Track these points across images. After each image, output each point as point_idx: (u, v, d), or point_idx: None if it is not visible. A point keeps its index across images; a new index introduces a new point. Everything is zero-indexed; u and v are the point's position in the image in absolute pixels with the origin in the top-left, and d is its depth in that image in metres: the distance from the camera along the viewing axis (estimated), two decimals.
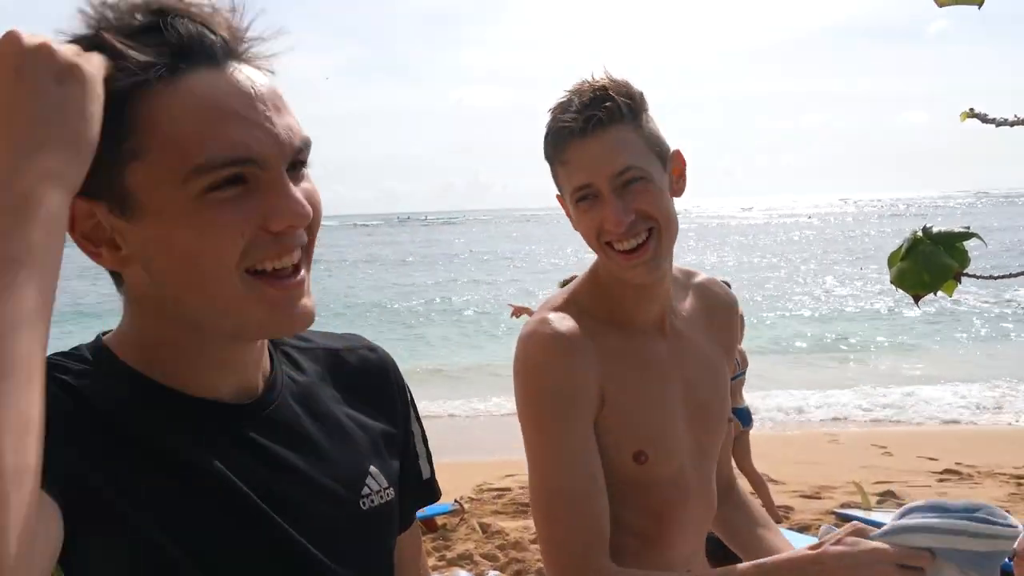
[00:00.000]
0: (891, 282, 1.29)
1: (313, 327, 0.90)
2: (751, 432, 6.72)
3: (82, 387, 0.82)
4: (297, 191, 0.80)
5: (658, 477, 1.50)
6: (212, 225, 0.78)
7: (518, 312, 6.46)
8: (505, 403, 11.58)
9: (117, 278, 0.88)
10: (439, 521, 6.39)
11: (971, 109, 1.22)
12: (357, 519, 0.96)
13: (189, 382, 0.88)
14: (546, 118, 1.47)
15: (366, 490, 0.98)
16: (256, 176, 0.79)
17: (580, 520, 1.39)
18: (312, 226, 0.84)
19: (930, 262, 1.27)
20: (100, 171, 0.76)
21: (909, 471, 7.92)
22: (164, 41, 0.77)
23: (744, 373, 6.85)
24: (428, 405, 10.61)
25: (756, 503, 1.81)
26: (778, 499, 7.05)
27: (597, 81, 1.43)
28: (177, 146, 0.76)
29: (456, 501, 6.60)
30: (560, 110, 1.44)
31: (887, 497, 7.00)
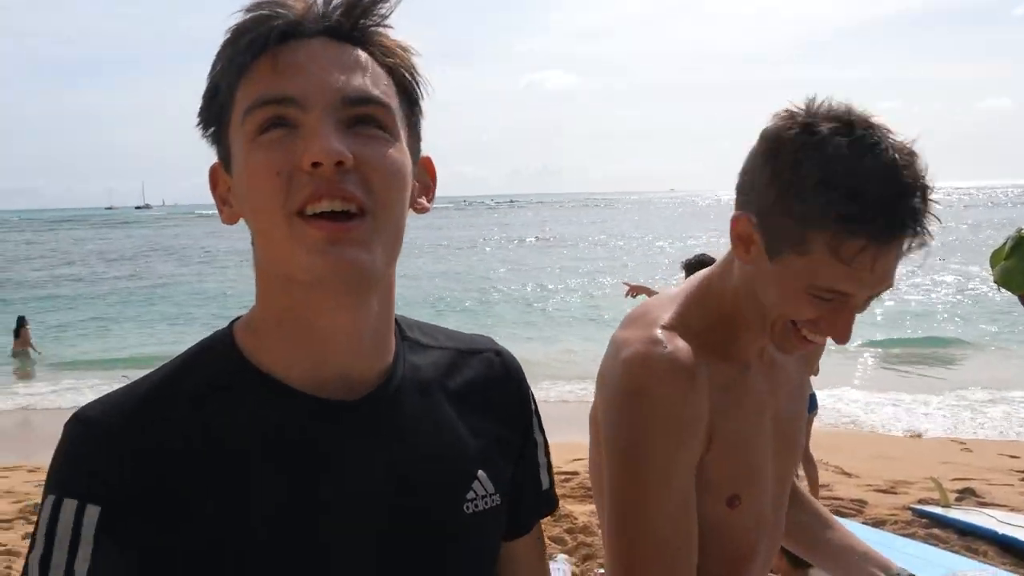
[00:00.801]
0: (994, 281, 1.24)
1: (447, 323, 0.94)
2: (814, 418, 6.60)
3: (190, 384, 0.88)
4: (337, 136, 0.81)
5: (744, 521, 1.38)
6: (256, 165, 0.82)
7: (635, 291, 5.98)
8: (577, 390, 11.59)
9: None
10: None
11: None
12: (460, 523, 0.96)
13: (293, 367, 0.89)
14: (818, 155, 1.15)
15: (471, 495, 0.98)
16: (297, 118, 0.82)
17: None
18: (370, 181, 0.83)
19: None
20: (220, 131, 0.87)
21: (989, 469, 7.68)
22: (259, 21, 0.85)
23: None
24: None
25: (815, 501, 1.71)
26: (852, 492, 6.92)
27: (919, 171, 1.15)
28: (244, 98, 0.84)
29: None
30: (876, 193, 1.12)
31: (966, 495, 6.80)
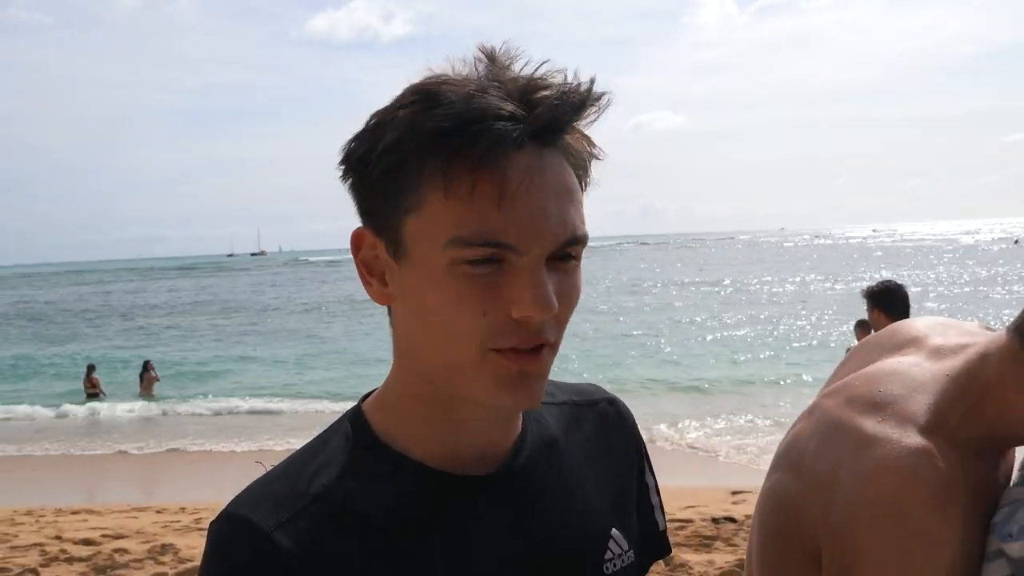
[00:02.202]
0: None
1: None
2: None
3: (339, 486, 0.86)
4: (549, 283, 0.78)
5: None
6: (458, 297, 0.79)
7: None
8: (698, 429, 11.35)
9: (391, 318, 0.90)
10: None
11: None
12: None
13: (430, 446, 0.88)
14: None
15: (609, 554, 0.96)
16: (511, 260, 0.78)
17: None
18: (560, 317, 0.82)
19: None
20: (387, 211, 0.81)
21: None
22: (469, 110, 0.77)
23: None
24: None
25: None
26: None
27: None
28: (448, 213, 0.77)
29: None
30: None
31: None
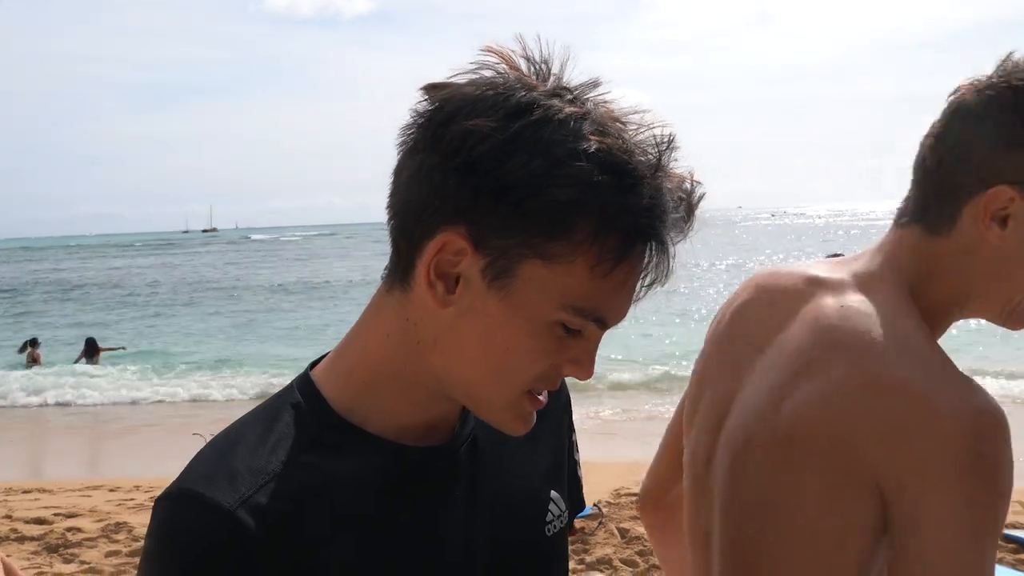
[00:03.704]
0: None
1: None
2: None
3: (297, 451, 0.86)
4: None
5: None
6: (541, 349, 0.82)
7: None
8: (647, 406, 11.48)
9: (401, 299, 0.86)
10: (578, 524, 6.37)
11: None
12: (543, 547, 0.99)
13: (388, 421, 0.89)
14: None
15: (549, 516, 1.00)
16: (591, 330, 0.83)
17: None
18: None
19: None
20: (512, 237, 0.77)
21: None
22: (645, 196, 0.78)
23: None
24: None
25: None
26: None
27: None
28: (582, 281, 0.79)
29: (595, 505, 6.58)
30: None
31: None
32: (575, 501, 1.12)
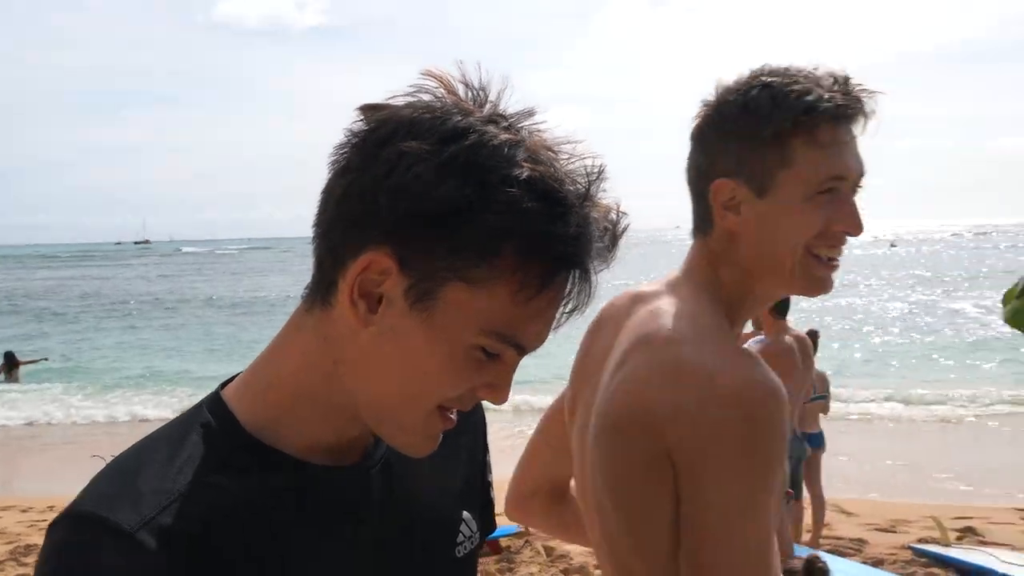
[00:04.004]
0: (1005, 320, 1.25)
1: None
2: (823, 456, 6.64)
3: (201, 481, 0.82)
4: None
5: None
6: (459, 372, 0.82)
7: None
8: None
9: (321, 317, 0.85)
10: (503, 543, 6.38)
11: None
12: (453, 568, 0.99)
13: (300, 441, 0.87)
14: (756, 88, 1.25)
15: (460, 537, 1.00)
16: (508, 356, 0.84)
17: None
18: None
19: None
20: (437, 261, 0.77)
21: (992, 507, 7.63)
22: None
23: (824, 397, 6.72)
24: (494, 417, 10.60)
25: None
26: (851, 531, 6.87)
27: (833, 70, 1.26)
28: (501, 308, 0.79)
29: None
30: (817, 84, 1.22)
31: (967, 533, 6.75)
32: (487, 522, 1.12)
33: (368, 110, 0.82)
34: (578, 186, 0.79)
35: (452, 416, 0.86)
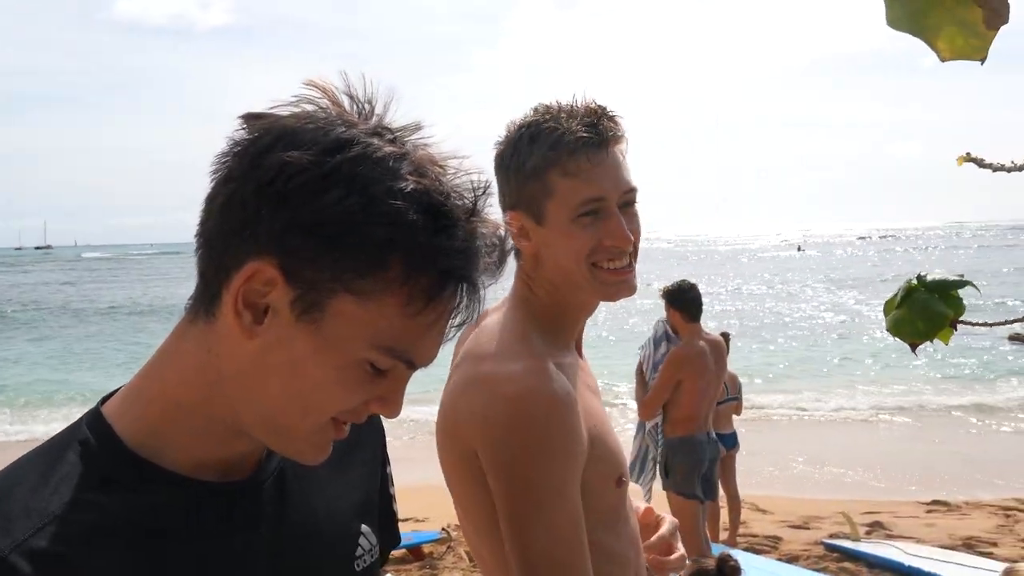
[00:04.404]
0: (887, 330, 1.30)
1: None
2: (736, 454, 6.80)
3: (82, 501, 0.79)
4: None
5: (627, 498, 1.51)
6: (349, 386, 0.81)
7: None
8: None
9: (205, 330, 0.82)
10: (426, 549, 6.35)
11: (968, 153, 1.22)
12: None
13: (185, 457, 0.84)
14: (516, 131, 1.44)
15: (359, 551, 0.99)
16: (399, 371, 0.84)
17: None
18: None
19: (925, 310, 1.27)
20: (324, 270, 0.76)
21: (898, 502, 7.92)
22: None
23: (737, 398, 6.88)
24: (411, 412, 10.55)
25: None
26: (766, 529, 7.04)
27: (588, 102, 1.43)
28: (392, 322, 0.79)
29: (444, 529, 6.56)
30: (562, 122, 1.39)
31: (875, 527, 6.99)
32: (390, 535, 1.11)
33: (250, 119, 0.81)
34: (464, 201, 0.80)
35: (345, 427, 0.85)
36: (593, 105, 1.42)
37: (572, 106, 1.42)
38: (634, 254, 1.45)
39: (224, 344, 0.81)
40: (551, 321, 1.46)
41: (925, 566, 5.56)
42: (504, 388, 1.32)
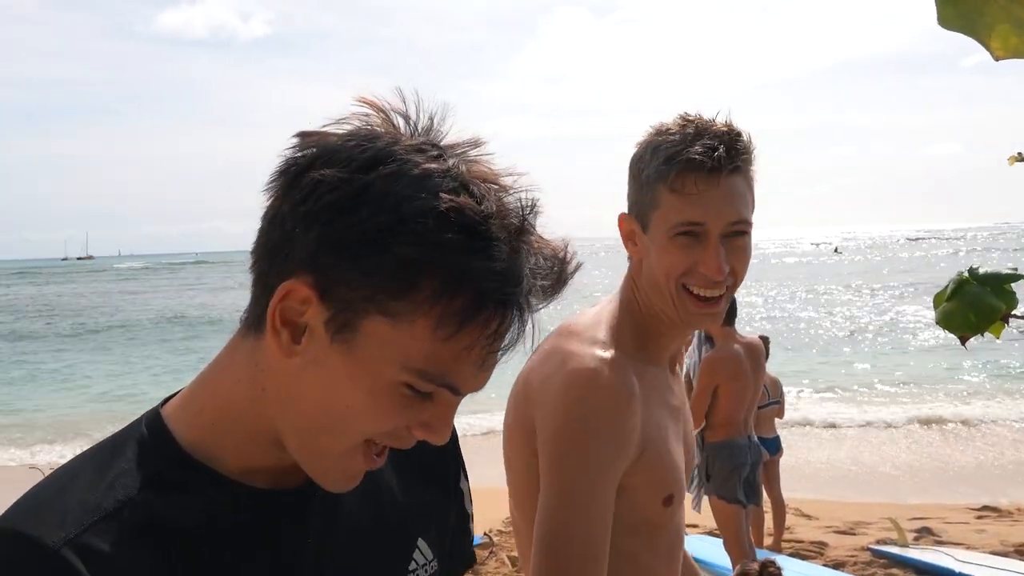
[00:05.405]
0: (936, 322, 1.28)
1: None
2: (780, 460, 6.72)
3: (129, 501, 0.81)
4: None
5: (675, 518, 1.50)
6: (384, 409, 0.80)
7: None
8: None
9: (254, 345, 0.83)
10: None
11: (1019, 153, 1.21)
12: None
13: (239, 463, 0.86)
14: (650, 137, 1.44)
15: (413, 564, 0.97)
16: (443, 396, 0.82)
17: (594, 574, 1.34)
18: None
19: (976, 303, 1.25)
20: (356, 290, 0.75)
21: (947, 507, 7.77)
22: None
23: (779, 402, 6.80)
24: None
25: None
26: (811, 534, 6.95)
27: (726, 124, 1.41)
28: (423, 346, 0.77)
29: (486, 534, 6.57)
30: (686, 139, 1.39)
31: (924, 534, 6.86)
32: (462, 553, 1.10)
33: (303, 136, 0.81)
34: (510, 220, 0.77)
35: (378, 457, 0.84)
36: (724, 128, 1.40)
37: (707, 123, 1.40)
38: (733, 287, 1.44)
39: (269, 360, 0.81)
40: (644, 328, 1.49)
41: (977, 573, 5.44)
42: (574, 364, 1.38)
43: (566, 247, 0.81)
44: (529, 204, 0.79)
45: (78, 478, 0.81)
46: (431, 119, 0.81)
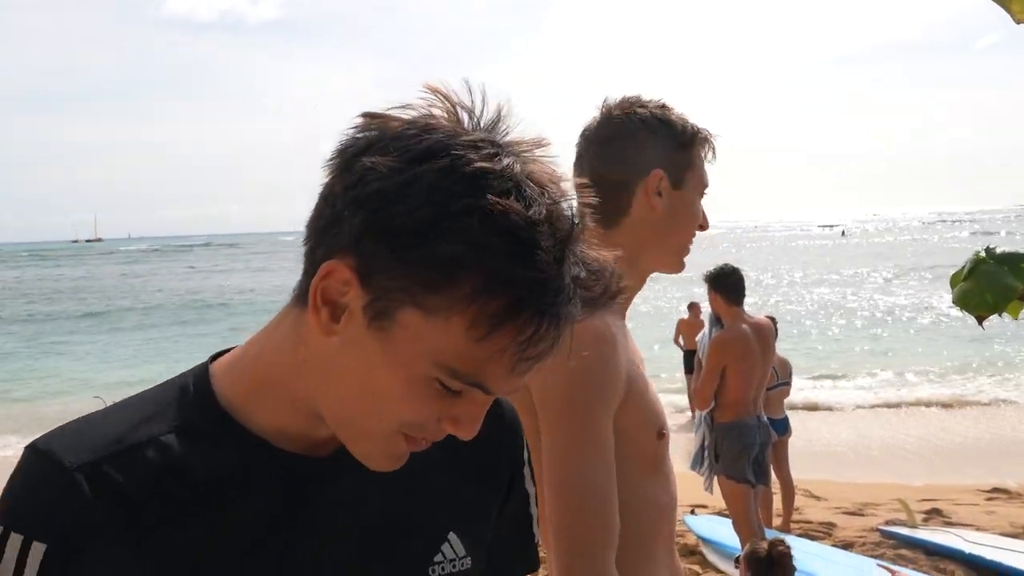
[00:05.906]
0: (953, 302, 1.26)
1: None
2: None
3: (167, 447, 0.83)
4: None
5: (667, 452, 1.60)
6: (416, 399, 0.79)
7: None
8: None
9: (299, 317, 0.83)
10: None
11: None
12: None
13: (272, 426, 0.87)
14: (665, 110, 1.62)
15: (439, 557, 0.94)
16: (474, 394, 0.81)
17: (606, 520, 1.41)
18: None
19: (994, 283, 1.22)
20: (396, 281, 0.75)
21: (957, 488, 7.76)
22: None
23: (788, 383, 6.78)
24: None
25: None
26: (820, 515, 6.95)
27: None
28: (457, 342, 0.76)
29: None
30: (688, 123, 1.63)
31: (933, 515, 6.86)
32: (525, 557, 1.08)
33: (366, 117, 0.80)
34: (559, 226, 0.75)
35: (420, 441, 0.83)
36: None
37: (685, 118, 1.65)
38: None
39: (310, 335, 0.82)
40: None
41: (987, 554, 5.43)
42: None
43: (613, 258, 0.79)
44: (580, 213, 0.77)
45: (118, 413, 0.86)
46: (498, 113, 0.79)
